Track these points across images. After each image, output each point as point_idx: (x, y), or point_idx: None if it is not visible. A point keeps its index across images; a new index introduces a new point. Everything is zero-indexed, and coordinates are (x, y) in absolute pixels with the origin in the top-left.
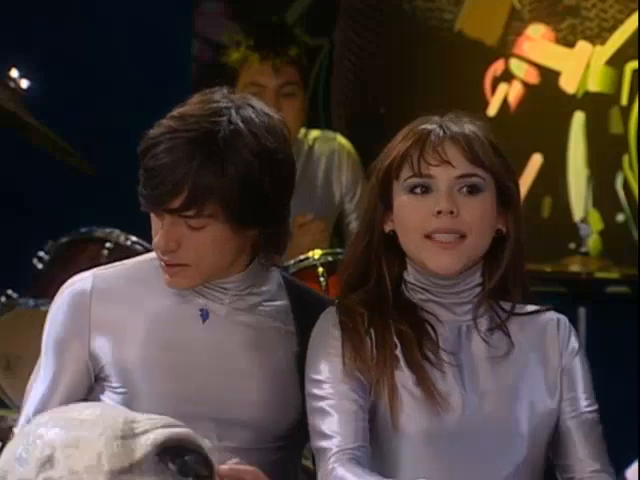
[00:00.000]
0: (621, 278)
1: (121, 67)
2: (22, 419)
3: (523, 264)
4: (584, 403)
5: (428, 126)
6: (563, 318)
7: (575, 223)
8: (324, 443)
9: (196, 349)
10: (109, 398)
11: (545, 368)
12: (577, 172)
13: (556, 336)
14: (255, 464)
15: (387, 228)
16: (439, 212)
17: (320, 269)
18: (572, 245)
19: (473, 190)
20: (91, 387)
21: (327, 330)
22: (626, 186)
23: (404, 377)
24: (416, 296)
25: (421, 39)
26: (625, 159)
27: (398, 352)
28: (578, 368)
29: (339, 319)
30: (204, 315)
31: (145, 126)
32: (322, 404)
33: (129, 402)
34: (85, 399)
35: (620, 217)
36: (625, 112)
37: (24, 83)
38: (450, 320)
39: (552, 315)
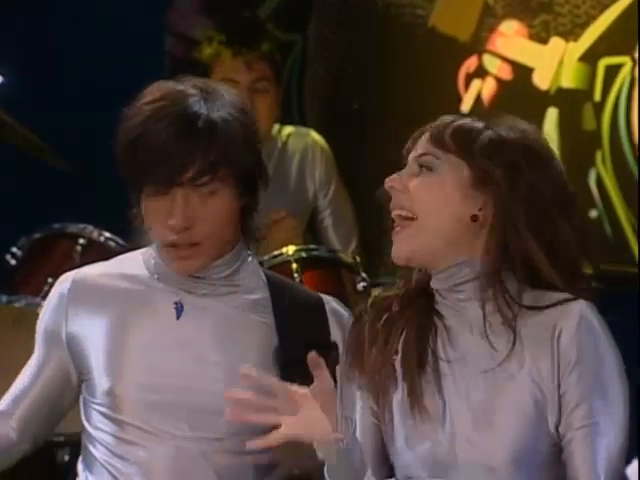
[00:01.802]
0: (594, 274)
1: (94, 63)
2: (1, 404)
3: (536, 246)
4: (579, 415)
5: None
6: (571, 316)
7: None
8: None
9: (169, 339)
10: (87, 394)
11: (544, 379)
12: None
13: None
14: (231, 454)
15: None
16: (390, 188)
17: (294, 265)
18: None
19: (426, 170)
20: (72, 380)
21: None
22: (599, 182)
23: (397, 391)
24: (436, 298)
25: (394, 35)
26: (598, 155)
27: (397, 362)
28: (584, 373)
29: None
30: (179, 308)
31: (118, 122)
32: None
33: (106, 396)
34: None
35: (593, 213)
36: (598, 108)
37: None
38: (459, 323)
39: (573, 309)
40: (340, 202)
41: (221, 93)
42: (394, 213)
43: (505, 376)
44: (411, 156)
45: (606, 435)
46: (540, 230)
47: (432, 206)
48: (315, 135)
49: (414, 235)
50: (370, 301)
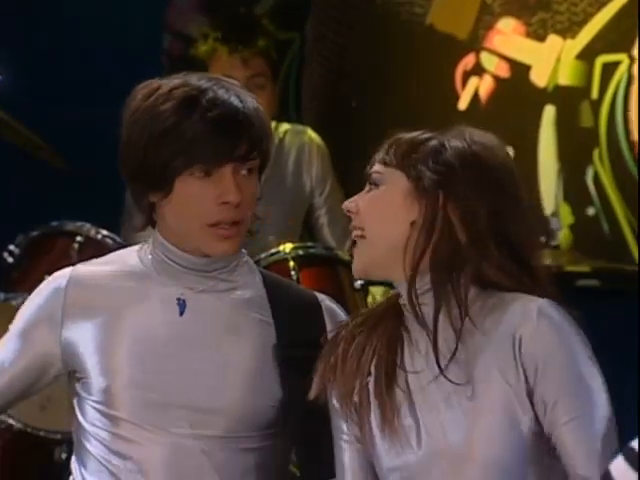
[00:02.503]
0: (591, 272)
1: (92, 61)
2: None
3: (503, 255)
4: (561, 412)
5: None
6: (527, 313)
7: (546, 217)
8: None
9: (172, 336)
10: (83, 391)
11: (510, 382)
12: (547, 166)
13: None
14: (232, 452)
15: None
16: (348, 211)
17: (291, 263)
18: (543, 239)
19: (372, 186)
20: (50, 373)
21: None
22: (596, 180)
23: (371, 411)
24: (405, 313)
25: (392, 33)
26: (595, 153)
27: (370, 382)
28: (555, 369)
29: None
30: (181, 305)
31: (116, 120)
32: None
33: (103, 393)
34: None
35: (591, 211)
36: (595, 106)
37: None
38: (423, 336)
39: (530, 309)
40: (336, 201)
41: (234, 84)
42: (353, 235)
43: (472, 386)
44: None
45: (592, 425)
46: (483, 232)
47: (376, 219)
48: (312, 133)
49: (365, 250)
50: (349, 319)
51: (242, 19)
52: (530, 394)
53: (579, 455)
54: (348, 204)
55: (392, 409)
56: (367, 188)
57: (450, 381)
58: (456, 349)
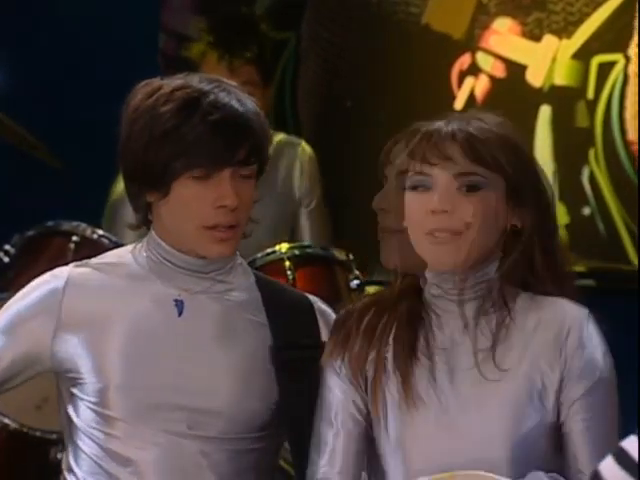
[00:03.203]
0: (587, 272)
1: (88, 60)
2: None
3: (548, 259)
4: (579, 409)
5: (436, 125)
6: (580, 318)
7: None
8: (315, 457)
9: (170, 336)
10: (79, 392)
11: (542, 375)
12: (543, 165)
13: (565, 338)
14: (230, 453)
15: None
16: (433, 211)
17: (287, 263)
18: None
19: (472, 188)
20: (28, 372)
21: None
22: (592, 180)
23: (389, 381)
24: (431, 291)
25: (388, 33)
26: (591, 153)
27: (389, 355)
28: (579, 368)
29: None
30: (179, 306)
31: (112, 119)
32: (327, 414)
33: (99, 394)
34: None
35: (586, 211)
36: (591, 106)
37: None
38: (456, 317)
39: (570, 313)
40: (319, 217)
41: (235, 87)
42: (440, 234)
43: (498, 367)
44: (441, 172)
45: (602, 427)
46: (544, 235)
47: (481, 223)
48: (305, 145)
49: (462, 246)
50: (359, 299)
51: (236, 25)
52: (559, 390)
53: (584, 450)
54: (441, 205)
55: (412, 376)
56: (463, 189)
57: (480, 373)
58: (495, 344)
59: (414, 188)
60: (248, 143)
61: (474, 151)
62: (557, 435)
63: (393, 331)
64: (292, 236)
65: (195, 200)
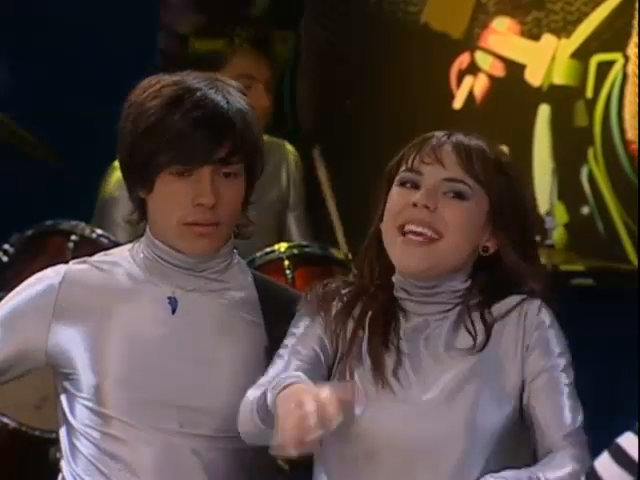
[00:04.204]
0: (586, 270)
1: (87, 59)
2: None
3: (520, 283)
4: (542, 363)
5: (436, 133)
6: (534, 302)
7: (540, 216)
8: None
9: (164, 334)
10: (73, 388)
11: (505, 371)
12: (542, 165)
13: (521, 322)
14: (223, 452)
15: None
16: (414, 204)
17: (286, 262)
18: (537, 238)
19: (458, 196)
20: (20, 368)
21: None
22: (591, 179)
23: (360, 364)
24: (397, 294)
25: (387, 32)
26: (590, 152)
27: (364, 337)
28: (540, 339)
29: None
30: (173, 304)
31: (111, 119)
32: (282, 351)
33: (93, 391)
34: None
35: (585, 210)
36: (590, 105)
37: None
38: (420, 313)
39: (527, 300)
40: (305, 220)
41: (228, 85)
42: (415, 228)
43: (467, 356)
44: (432, 173)
45: (561, 399)
46: (518, 237)
47: (459, 232)
48: (289, 146)
49: (434, 253)
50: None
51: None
52: (521, 371)
53: (549, 422)
54: (424, 200)
55: (384, 364)
56: (442, 189)
57: (441, 361)
58: (485, 343)
59: (402, 184)
60: (229, 141)
61: (468, 161)
62: (515, 418)
63: (369, 314)
64: (280, 239)
65: (175, 196)
